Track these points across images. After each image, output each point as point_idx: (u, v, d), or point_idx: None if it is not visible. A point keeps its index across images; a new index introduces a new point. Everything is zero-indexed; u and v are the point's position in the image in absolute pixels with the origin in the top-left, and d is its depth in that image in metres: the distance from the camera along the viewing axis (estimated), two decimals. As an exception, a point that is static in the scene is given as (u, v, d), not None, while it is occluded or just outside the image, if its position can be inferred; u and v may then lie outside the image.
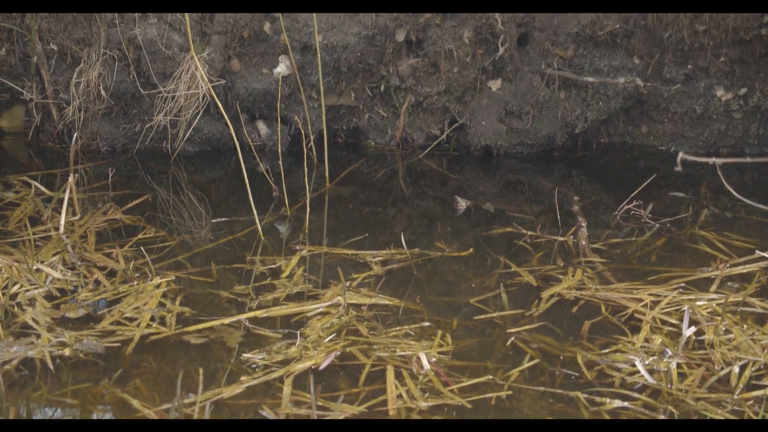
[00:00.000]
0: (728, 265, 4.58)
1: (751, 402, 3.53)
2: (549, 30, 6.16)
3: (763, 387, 3.62)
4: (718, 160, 2.78)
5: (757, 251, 4.68)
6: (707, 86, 6.19)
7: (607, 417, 3.45)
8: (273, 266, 4.59)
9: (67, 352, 3.77)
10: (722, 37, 5.98)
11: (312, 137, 6.13)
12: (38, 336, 3.86)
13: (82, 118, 6.08)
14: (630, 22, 6.08)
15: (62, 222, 4.85)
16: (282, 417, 3.38)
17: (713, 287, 4.37)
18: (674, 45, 6.08)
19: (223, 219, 5.22)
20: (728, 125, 6.29)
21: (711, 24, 5.94)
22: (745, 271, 4.55)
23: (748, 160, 3.22)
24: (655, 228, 5.13)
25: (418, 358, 3.75)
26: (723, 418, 3.41)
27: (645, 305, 4.19)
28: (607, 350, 3.88)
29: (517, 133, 6.28)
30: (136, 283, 4.31)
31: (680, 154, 2.86)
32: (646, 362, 3.77)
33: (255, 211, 4.95)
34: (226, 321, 4.04)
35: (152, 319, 4.04)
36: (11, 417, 3.37)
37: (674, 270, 4.60)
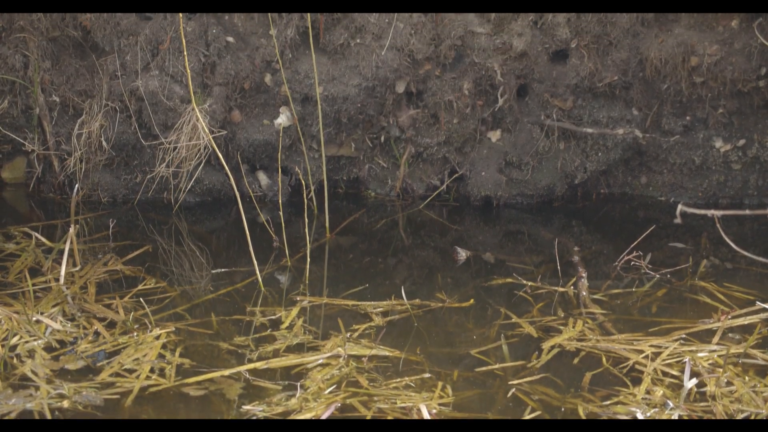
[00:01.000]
0: (729, 317, 4.57)
1: (753, 455, 3.50)
2: (548, 81, 6.20)
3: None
4: (717, 213, 2.78)
5: (758, 302, 4.67)
6: (706, 137, 6.22)
7: (609, 470, 3.43)
8: (273, 317, 4.59)
9: (66, 404, 3.74)
10: (720, 88, 6.02)
11: (312, 188, 6.16)
12: (37, 388, 3.85)
13: (83, 169, 6.11)
14: (628, 74, 6.12)
15: (62, 273, 4.85)
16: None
17: (715, 339, 4.36)
18: (672, 96, 6.11)
19: (223, 269, 5.22)
20: (727, 176, 6.30)
21: (709, 76, 5.98)
22: (746, 322, 4.54)
23: (747, 212, 3.24)
24: (655, 279, 5.13)
25: (419, 410, 3.73)
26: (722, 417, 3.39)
27: (646, 357, 4.18)
28: (609, 402, 3.86)
29: (517, 183, 6.30)
30: (135, 334, 4.30)
31: (679, 206, 2.87)
32: (648, 414, 3.75)
33: (255, 262, 4.95)
34: (226, 372, 4.03)
35: (152, 370, 4.03)
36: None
37: (675, 321, 4.59)
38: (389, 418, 3.67)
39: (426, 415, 3.68)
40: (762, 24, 5.82)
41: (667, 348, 4.23)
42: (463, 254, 5.51)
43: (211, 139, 5.51)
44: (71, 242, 5.00)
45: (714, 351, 4.22)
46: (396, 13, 6.01)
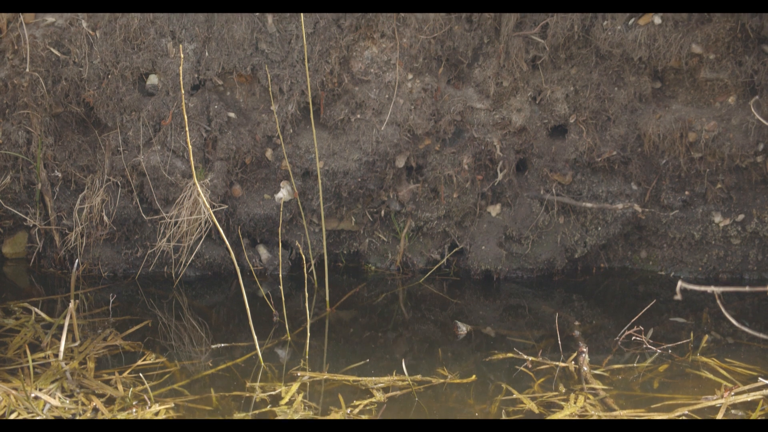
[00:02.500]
0: (732, 393, 4.54)
1: None
2: (547, 156, 6.25)
3: None
4: (717, 289, 2.78)
5: (760, 378, 4.65)
6: (705, 212, 6.25)
7: None
8: (273, 393, 4.56)
9: (63, 482, 3.71)
10: (718, 164, 6.06)
11: (313, 261, 6.16)
12: (35, 466, 3.82)
13: (84, 244, 6.12)
14: (627, 149, 6.17)
15: (62, 348, 4.83)
16: None
17: (719, 415, 4.33)
18: (671, 171, 6.15)
19: (223, 344, 5.21)
20: (727, 251, 6.31)
21: (707, 151, 6.03)
22: (749, 398, 4.51)
23: (747, 289, 3.24)
24: (656, 354, 5.11)
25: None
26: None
27: (649, 433, 4.15)
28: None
29: (517, 257, 6.31)
30: (134, 410, 4.28)
31: (679, 283, 2.87)
32: (652, 493, 3.71)
33: (255, 337, 4.94)
34: (226, 450, 3.99)
35: (150, 448, 4.00)
36: None
37: (678, 397, 4.56)
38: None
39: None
40: (758, 102, 5.88)
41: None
42: (463, 328, 5.50)
43: (212, 213, 5.53)
44: (71, 317, 4.99)
45: (717, 428, 4.19)
46: (396, 88, 6.06)
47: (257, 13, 5.98)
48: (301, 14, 5.70)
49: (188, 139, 4.79)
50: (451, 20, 6.05)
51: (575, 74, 6.12)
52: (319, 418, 3.98)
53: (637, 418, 4.30)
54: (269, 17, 6.00)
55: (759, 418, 3.18)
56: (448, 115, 6.14)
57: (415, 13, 6.00)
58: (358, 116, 6.14)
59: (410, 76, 6.11)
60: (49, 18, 5.98)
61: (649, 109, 6.14)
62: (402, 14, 6.00)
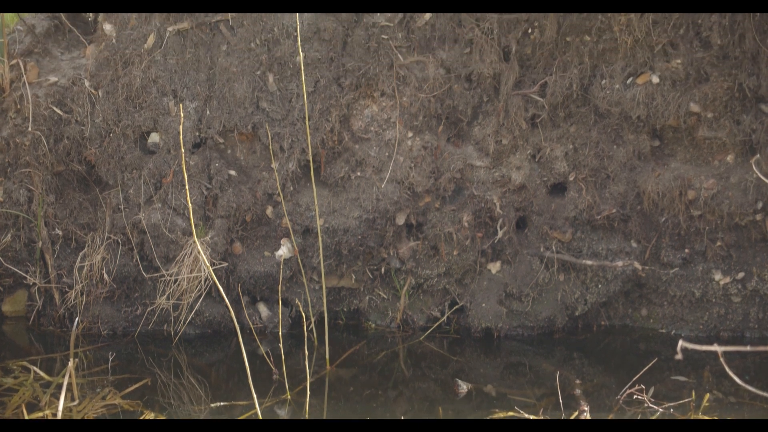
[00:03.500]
0: (734, 453, 4.51)
1: None
2: (547, 214, 6.26)
3: None
4: (718, 348, 2.77)
5: (762, 438, 4.62)
6: (705, 270, 6.24)
7: None
8: (272, 453, 4.52)
9: None
10: (718, 222, 6.07)
11: (313, 319, 6.15)
12: None
13: (84, 302, 6.11)
14: (626, 207, 6.18)
15: (60, 408, 4.80)
16: None
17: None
18: (671, 229, 6.16)
19: (222, 403, 5.18)
20: (728, 309, 6.30)
21: (706, 209, 6.05)
22: (751, 458, 4.48)
23: (748, 348, 3.23)
24: (658, 413, 5.08)
25: None
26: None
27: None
28: None
29: (518, 315, 6.30)
30: (132, 471, 4.24)
31: (680, 342, 2.87)
32: None
33: (254, 395, 4.91)
34: None
35: None
36: None
37: (679, 457, 4.53)
38: None
39: None
40: (759, 160, 5.91)
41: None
42: (464, 387, 5.47)
43: (212, 271, 5.54)
44: (70, 376, 4.97)
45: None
46: (396, 146, 6.10)
47: (258, 72, 6.03)
48: (302, 73, 5.74)
49: (189, 197, 4.81)
50: (451, 79, 6.11)
51: (574, 132, 6.16)
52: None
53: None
54: (270, 76, 6.05)
55: (759, 419, 3.16)
56: (448, 173, 6.16)
57: (414, 72, 6.05)
58: (359, 174, 6.17)
59: (410, 134, 6.14)
60: (52, 77, 6.04)
61: (648, 167, 6.17)
62: (402, 73, 6.05)
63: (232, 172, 6.14)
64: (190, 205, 4.78)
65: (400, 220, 6.22)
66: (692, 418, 5.03)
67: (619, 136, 6.15)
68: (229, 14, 5.98)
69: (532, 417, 4.99)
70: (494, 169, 6.21)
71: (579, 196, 6.19)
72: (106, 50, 6.03)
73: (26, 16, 6.48)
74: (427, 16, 6.07)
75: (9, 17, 6.45)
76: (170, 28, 5.99)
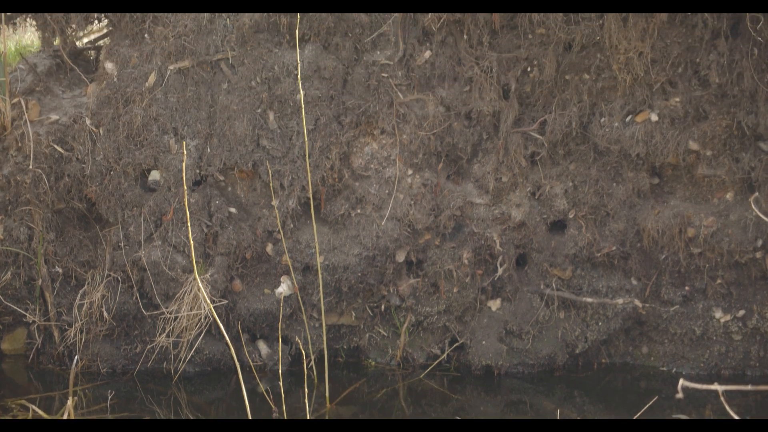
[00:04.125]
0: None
1: None
2: (547, 251, 6.26)
3: None
4: (719, 387, 2.76)
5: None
6: (705, 308, 6.23)
7: None
8: (272, 493, 4.50)
9: None
10: (717, 259, 6.07)
11: (313, 357, 6.13)
12: None
13: (83, 340, 6.10)
14: (626, 245, 6.19)
15: (59, 447, 4.78)
16: None
17: None
18: (671, 267, 6.16)
19: (221, 443, 5.15)
20: (728, 347, 6.28)
21: (706, 247, 6.05)
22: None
23: (749, 387, 3.22)
24: (659, 452, 5.06)
25: None
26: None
27: None
28: None
29: (518, 352, 6.28)
30: None
31: (681, 381, 2.86)
32: None
33: (254, 435, 4.89)
34: None
35: None
36: None
37: (681, 497, 4.50)
38: None
39: None
40: (758, 198, 5.92)
41: None
42: (464, 426, 5.45)
43: (212, 308, 5.53)
44: (69, 415, 4.94)
45: None
46: (396, 183, 6.11)
47: (259, 110, 6.05)
48: (303, 111, 5.76)
49: (189, 235, 4.82)
50: (450, 117, 6.13)
51: (574, 170, 6.18)
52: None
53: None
54: (270, 114, 6.08)
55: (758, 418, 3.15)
56: (448, 210, 6.17)
57: (414, 109, 6.08)
58: (359, 211, 6.18)
59: (410, 172, 6.16)
60: (53, 116, 6.06)
61: (648, 204, 6.18)
62: (402, 111, 6.08)
63: (233, 210, 6.15)
64: (191, 242, 4.79)
65: (400, 257, 6.22)
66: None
67: (618, 174, 6.17)
68: (229, 52, 6.01)
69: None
70: (494, 206, 6.22)
71: (579, 234, 6.20)
72: (108, 88, 6.06)
73: (28, 54, 6.53)
74: (427, 54, 6.11)
75: (11, 56, 6.50)
76: (171, 67, 6.02)
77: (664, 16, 5.72)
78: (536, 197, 6.24)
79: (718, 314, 6.21)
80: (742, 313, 6.17)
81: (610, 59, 5.95)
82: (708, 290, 6.18)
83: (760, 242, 5.98)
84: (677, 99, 5.97)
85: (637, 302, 6.18)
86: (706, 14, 5.71)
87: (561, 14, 5.86)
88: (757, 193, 5.94)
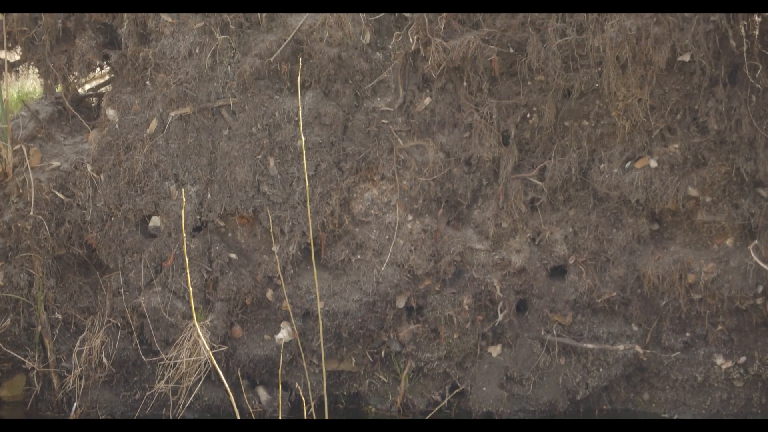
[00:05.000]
0: None
1: None
2: (547, 297, 6.25)
3: None
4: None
5: None
6: (707, 354, 6.21)
7: None
8: None
9: None
10: (718, 306, 6.06)
11: (313, 403, 6.10)
12: None
13: (82, 386, 6.07)
14: (627, 290, 6.18)
15: (57, 496, 4.75)
16: None
17: None
18: (671, 313, 6.15)
19: (220, 491, 5.11)
20: (730, 394, 6.25)
21: (706, 293, 6.04)
22: None
23: (753, 437, 3.21)
24: (662, 500, 5.02)
25: None
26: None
27: None
28: None
29: (519, 399, 6.25)
30: None
31: None
32: None
33: (254, 483, 4.86)
34: None
35: None
36: None
37: None
38: None
39: None
40: (757, 245, 5.92)
41: None
42: (465, 474, 5.41)
43: (212, 355, 5.51)
44: (67, 463, 4.92)
45: None
46: (396, 229, 6.12)
47: (259, 156, 6.07)
48: (304, 157, 5.78)
49: (189, 281, 4.82)
50: (450, 163, 6.16)
51: (574, 216, 6.19)
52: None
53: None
54: (271, 160, 6.10)
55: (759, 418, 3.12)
56: (448, 256, 6.17)
57: (414, 156, 6.10)
58: (359, 257, 6.18)
59: (410, 218, 6.17)
60: (55, 162, 6.09)
61: (648, 250, 6.19)
62: (402, 157, 6.10)
63: (233, 255, 6.15)
64: (190, 288, 4.80)
65: (401, 303, 6.22)
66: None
67: (618, 220, 6.18)
68: (230, 99, 6.04)
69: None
70: (494, 252, 6.22)
71: (579, 279, 6.19)
72: (109, 135, 6.09)
73: (30, 101, 6.56)
74: (427, 100, 6.15)
75: (14, 103, 6.53)
76: (172, 113, 6.05)
77: (662, 63, 5.75)
78: (536, 243, 6.25)
79: (719, 361, 6.19)
80: (743, 359, 6.15)
81: (609, 106, 5.99)
82: (709, 336, 6.17)
83: (760, 288, 5.97)
84: (676, 145, 5.99)
85: (638, 348, 6.17)
86: (704, 61, 5.75)
87: (560, 61, 5.90)
88: (756, 241, 5.94)
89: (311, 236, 5.95)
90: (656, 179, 6.01)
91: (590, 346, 6.19)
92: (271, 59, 6.05)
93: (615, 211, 6.17)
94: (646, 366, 6.28)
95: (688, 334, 6.19)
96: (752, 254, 5.88)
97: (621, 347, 6.16)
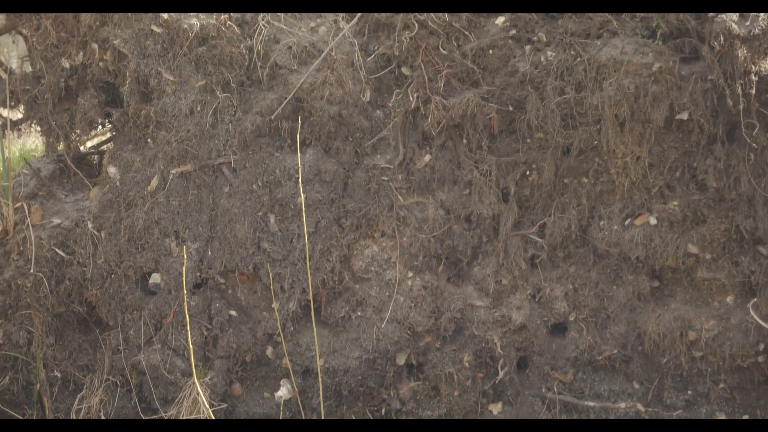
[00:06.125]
0: None
1: None
2: (548, 354, 6.24)
3: None
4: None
5: None
6: (708, 412, 6.18)
7: None
8: None
9: None
10: (720, 363, 6.04)
11: (312, 462, 6.06)
12: None
13: (80, 445, 6.04)
14: (627, 348, 6.17)
15: None
16: None
17: None
18: (673, 370, 6.13)
19: None
20: (733, 452, 6.23)
21: (708, 351, 6.02)
22: None
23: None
24: None
25: None
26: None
27: None
28: None
29: (520, 457, 6.21)
30: None
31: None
32: None
33: None
34: None
35: None
36: None
37: None
38: None
39: None
40: (757, 303, 5.92)
41: None
42: None
43: (211, 413, 5.49)
44: None
45: None
46: (396, 286, 6.12)
47: (260, 213, 6.09)
48: (303, 214, 5.80)
49: (189, 339, 4.81)
50: (450, 219, 6.17)
51: (574, 273, 6.19)
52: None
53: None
54: (271, 217, 6.11)
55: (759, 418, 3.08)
56: (449, 313, 6.17)
57: (414, 212, 6.12)
58: (359, 314, 6.17)
59: (410, 274, 6.17)
60: (56, 219, 6.10)
61: (649, 307, 6.18)
62: (402, 214, 6.12)
63: (233, 313, 6.14)
64: (190, 346, 4.78)
65: (401, 360, 6.20)
66: None
67: (618, 277, 6.18)
68: (231, 156, 6.08)
69: None
70: (494, 308, 6.21)
71: (580, 337, 6.18)
72: (110, 192, 6.11)
73: (32, 159, 6.59)
74: (427, 158, 6.18)
75: (15, 161, 6.56)
76: (173, 171, 6.08)
77: (660, 121, 5.80)
78: (536, 300, 6.25)
79: (721, 419, 6.15)
80: (745, 417, 6.12)
81: (608, 163, 6.02)
82: (711, 394, 6.14)
83: (761, 346, 5.96)
84: (675, 203, 6.01)
85: (640, 406, 6.14)
86: (702, 119, 5.79)
87: (559, 119, 5.95)
88: (756, 299, 5.94)
89: (311, 293, 5.95)
90: (656, 236, 6.02)
91: (591, 404, 6.16)
92: (272, 117, 6.09)
93: (615, 268, 6.17)
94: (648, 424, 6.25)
95: (689, 392, 6.17)
96: (752, 312, 5.87)
97: (622, 405, 6.14)
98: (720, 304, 6.08)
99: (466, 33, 6.09)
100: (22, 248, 5.99)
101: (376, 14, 6.16)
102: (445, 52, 6.10)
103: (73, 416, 6.00)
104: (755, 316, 5.87)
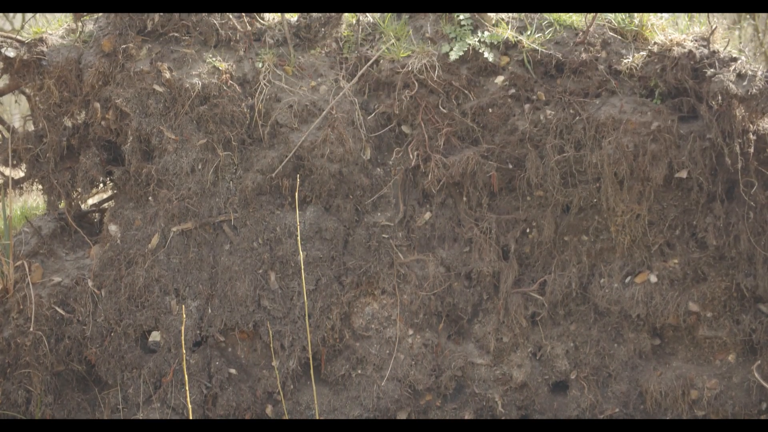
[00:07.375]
0: None
1: None
2: (549, 412, 6.20)
3: None
4: None
5: None
6: (711, 472, 6.15)
7: None
8: None
9: None
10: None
11: None
12: None
13: (78, 505, 5.98)
14: (629, 406, 6.13)
15: None
16: None
17: None
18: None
19: None
20: None
21: (710, 410, 5.99)
22: None
23: None
24: None
25: None
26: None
27: None
28: None
29: None
30: None
31: None
32: None
33: None
34: None
35: None
36: None
37: None
38: None
39: None
40: (760, 365, 5.90)
41: None
42: None
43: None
44: None
45: None
46: (397, 344, 6.10)
47: (260, 270, 6.10)
48: (302, 272, 5.80)
49: (188, 397, 4.79)
50: (451, 277, 6.17)
51: (575, 330, 6.18)
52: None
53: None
54: (272, 275, 6.11)
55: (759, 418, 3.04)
56: (449, 371, 6.14)
57: (414, 270, 6.13)
58: (359, 372, 6.15)
59: (411, 332, 6.16)
60: (56, 278, 6.10)
61: (650, 365, 6.16)
62: (402, 271, 6.12)
63: (233, 371, 6.12)
64: (189, 405, 4.76)
65: (401, 417, 6.16)
66: None
67: (619, 335, 6.17)
68: (232, 214, 6.09)
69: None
70: (495, 366, 6.19)
71: (581, 395, 6.15)
72: (111, 250, 6.12)
73: (33, 217, 6.60)
74: (427, 215, 6.20)
75: (17, 219, 6.58)
76: (174, 229, 6.09)
77: (659, 179, 5.83)
78: (537, 358, 6.23)
79: (721, 419, 6.11)
80: (748, 478, 6.08)
81: (608, 221, 6.04)
82: (714, 455, 6.11)
83: (764, 405, 5.93)
84: (676, 260, 6.02)
85: (642, 466, 6.10)
86: (701, 178, 5.82)
87: (558, 177, 5.98)
88: (759, 361, 5.91)
89: (311, 351, 5.93)
90: (656, 294, 6.02)
91: (593, 463, 6.12)
92: (273, 175, 6.11)
93: (616, 326, 6.16)
94: (650, 484, 6.21)
95: (692, 451, 6.13)
96: (755, 374, 5.85)
97: (625, 464, 6.09)
98: (722, 363, 6.06)
99: (466, 92, 6.14)
100: (22, 306, 5.98)
101: (376, 74, 6.22)
102: (444, 111, 6.14)
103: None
104: (759, 379, 5.85)
